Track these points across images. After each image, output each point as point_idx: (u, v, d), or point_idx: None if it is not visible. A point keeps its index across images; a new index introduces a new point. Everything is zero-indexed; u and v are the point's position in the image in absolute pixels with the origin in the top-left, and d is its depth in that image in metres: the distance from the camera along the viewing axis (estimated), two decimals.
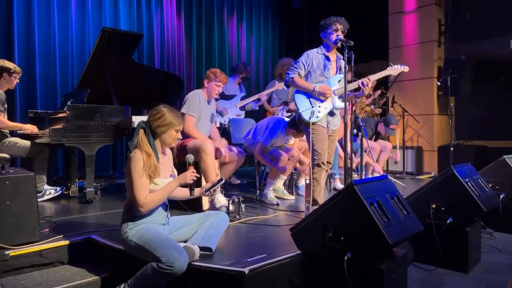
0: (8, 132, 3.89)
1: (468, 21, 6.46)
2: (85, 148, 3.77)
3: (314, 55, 3.37)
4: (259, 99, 5.28)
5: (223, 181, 2.89)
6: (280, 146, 4.25)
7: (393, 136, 5.82)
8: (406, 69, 3.51)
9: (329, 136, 3.42)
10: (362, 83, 3.29)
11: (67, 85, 5.56)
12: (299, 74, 3.36)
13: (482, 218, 3.18)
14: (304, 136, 4.40)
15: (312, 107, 3.32)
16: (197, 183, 3.53)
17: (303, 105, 3.35)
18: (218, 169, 3.70)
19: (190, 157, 2.36)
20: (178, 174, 2.39)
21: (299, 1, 8.39)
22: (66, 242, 2.57)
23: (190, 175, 2.29)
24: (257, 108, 5.46)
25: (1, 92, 3.79)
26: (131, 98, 4.51)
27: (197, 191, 2.46)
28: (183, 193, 2.47)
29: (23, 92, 5.14)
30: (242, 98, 5.41)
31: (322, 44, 3.41)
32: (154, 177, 2.21)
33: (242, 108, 5.36)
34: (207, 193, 2.44)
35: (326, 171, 3.48)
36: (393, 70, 3.48)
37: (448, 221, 2.78)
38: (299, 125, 3.71)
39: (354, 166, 3.89)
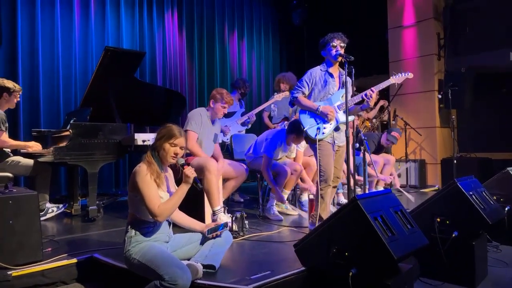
0: (9, 151, 3.90)
1: (467, 34, 6.50)
2: (88, 166, 3.77)
3: (316, 72, 3.39)
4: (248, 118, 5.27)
5: (229, 225, 2.90)
6: (281, 159, 4.25)
7: (396, 147, 5.76)
8: (410, 75, 3.47)
9: (336, 151, 3.41)
10: (366, 94, 3.30)
11: (70, 103, 5.62)
12: (303, 93, 3.38)
13: (488, 231, 3.14)
14: (308, 151, 4.41)
15: (318, 123, 3.33)
16: (200, 203, 3.51)
17: (308, 122, 3.36)
18: (220, 185, 3.69)
19: (180, 160, 2.33)
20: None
21: (299, 17, 8.49)
22: (69, 261, 2.56)
23: (190, 170, 2.25)
24: (250, 120, 5.38)
25: (1, 111, 3.78)
26: (134, 116, 4.53)
27: (199, 226, 2.48)
28: (191, 223, 2.50)
29: (26, 111, 5.19)
30: (242, 114, 5.42)
31: (324, 61, 3.43)
32: (159, 184, 2.21)
33: (243, 124, 5.36)
34: (209, 235, 2.42)
35: (334, 186, 3.46)
36: (397, 78, 3.46)
37: (453, 235, 2.75)
38: (306, 142, 3.69)
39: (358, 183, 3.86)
